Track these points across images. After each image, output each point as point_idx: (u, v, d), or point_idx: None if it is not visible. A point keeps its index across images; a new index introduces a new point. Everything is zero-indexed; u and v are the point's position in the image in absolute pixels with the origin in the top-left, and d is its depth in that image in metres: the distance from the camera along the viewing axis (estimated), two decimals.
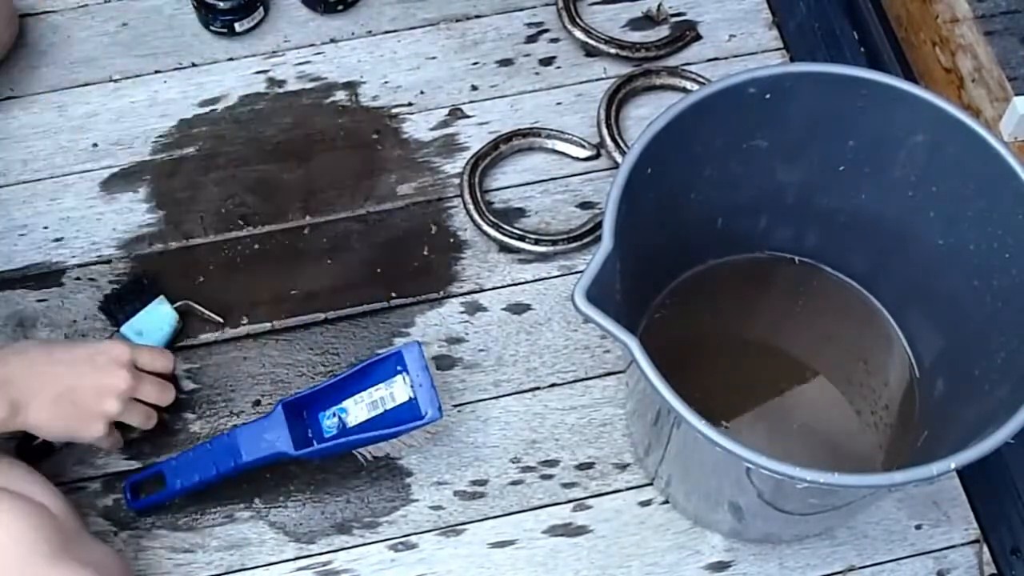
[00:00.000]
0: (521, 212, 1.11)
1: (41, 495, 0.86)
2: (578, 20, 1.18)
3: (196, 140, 1.13)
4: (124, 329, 1.01)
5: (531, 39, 1.19)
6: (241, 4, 1.16)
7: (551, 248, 1.07)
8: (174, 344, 1.03)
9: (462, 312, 1.06)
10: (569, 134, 1.13)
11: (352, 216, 1.10)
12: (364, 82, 1.17)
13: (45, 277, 1.07)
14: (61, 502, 0.88)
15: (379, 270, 1.08)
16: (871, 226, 0.95)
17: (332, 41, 1.19)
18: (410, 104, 1.16)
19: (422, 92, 1.16)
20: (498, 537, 0.97)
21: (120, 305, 1.02)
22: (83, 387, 0.89)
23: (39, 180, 1.11)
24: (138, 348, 0.93)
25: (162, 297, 1.03)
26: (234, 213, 1.10)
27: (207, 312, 1.04)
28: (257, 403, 1.02)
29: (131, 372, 0.91)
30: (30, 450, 0.96)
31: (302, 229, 1.10)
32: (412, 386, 0.94)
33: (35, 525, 0.80)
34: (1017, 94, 1.06)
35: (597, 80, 1.17)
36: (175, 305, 1.03)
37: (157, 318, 1.02)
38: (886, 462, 0.96)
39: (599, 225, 0.83)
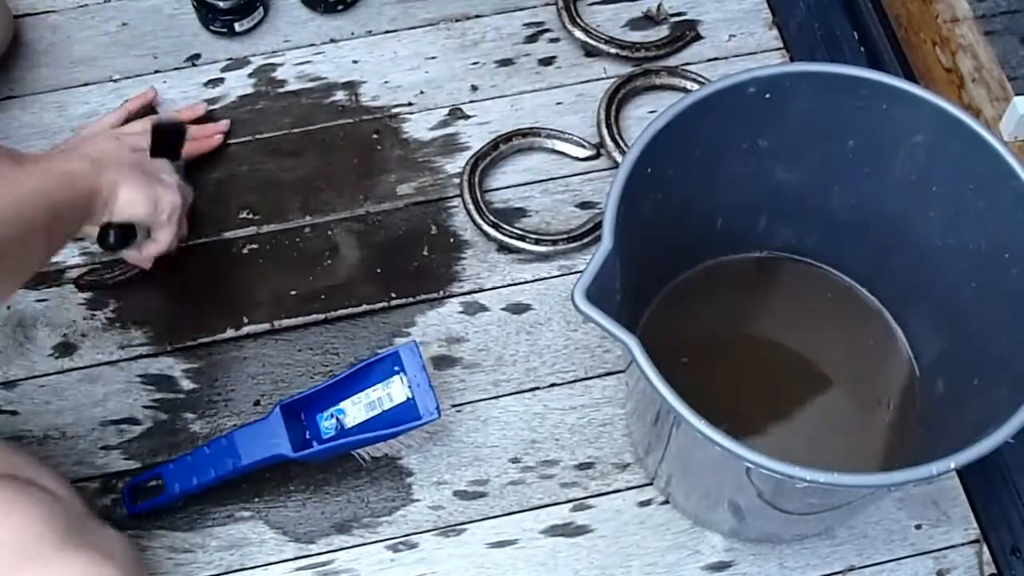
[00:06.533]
0: (521, 212, 1.10)
1: (47, 481, 0.86)
2: (578, 20, 1.18)
3: None
4: None
5: (531, 39, 1.19)
6: (241, 4, 1.16)
7: (551, 248, 1.07)
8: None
9: (462, 312, 1.06)
10: (569, 134, 1.13)
11: (352, 216, 1.10)
12: (364, 82, 1.17)
13: (45, 277, 1.06)
14: (66, 488, 0.89)
15: (379, 270, 1.08)
16: (871, 226, 0.95)
17: (332, 41, 1.19)
18: (410, 104, 1.16)
19: (422, 92, 1.16)
20: (498, 537, 0.97)
21: None
22: (143, 158, 0.94)
23: None
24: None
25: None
26: (234, 213, 1.10)
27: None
28: (257, 403, 1.02)
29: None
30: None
31: (302, 229, 1.10)
32: (410, 386, 0.94)
33: (43, 512, 0.80)
34: (1017, 94, 1.06)
35: (597, 80, 1.17)
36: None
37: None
38: (886, 462, 0.96)
39: (599, 225, 0.83)
